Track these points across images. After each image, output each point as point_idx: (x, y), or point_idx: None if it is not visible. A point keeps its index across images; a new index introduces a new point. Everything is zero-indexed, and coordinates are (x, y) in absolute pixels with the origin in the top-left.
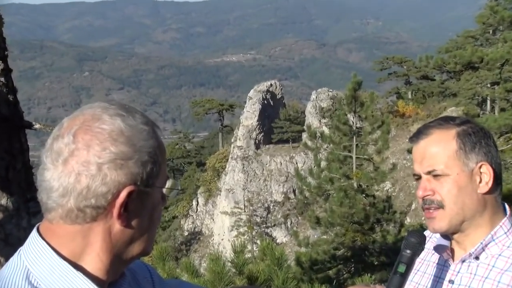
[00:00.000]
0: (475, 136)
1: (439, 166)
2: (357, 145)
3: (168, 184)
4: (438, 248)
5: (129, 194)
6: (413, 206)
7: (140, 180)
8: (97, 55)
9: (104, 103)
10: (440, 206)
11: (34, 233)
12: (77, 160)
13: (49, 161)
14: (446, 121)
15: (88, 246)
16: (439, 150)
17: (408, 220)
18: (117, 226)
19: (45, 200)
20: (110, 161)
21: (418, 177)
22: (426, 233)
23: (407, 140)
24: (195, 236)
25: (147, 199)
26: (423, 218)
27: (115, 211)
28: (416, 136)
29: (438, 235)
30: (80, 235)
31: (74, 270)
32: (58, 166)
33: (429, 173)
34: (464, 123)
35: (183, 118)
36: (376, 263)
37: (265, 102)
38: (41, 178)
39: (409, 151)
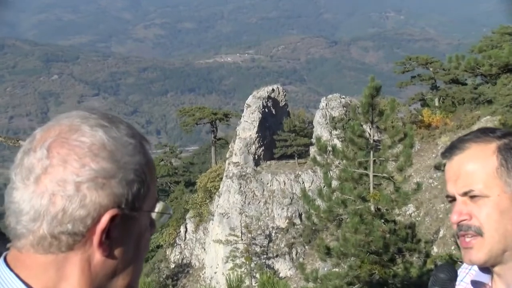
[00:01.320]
0: None
1: (477, 186)
2: (374, 161)
3: (158, 207)
4: (476, 284)
5: (112, 219)
6: (441, 233)
7: (125, 202)
8: (68, 55)
9: (84, 111)
10: (478, 233)
11: (0, 263)
12: (51, 178)
13: (19, 179)
14: (485, 134)
15: (63, 279)
16: (477, 167)
17: (435, 250)
18: (97, 256)
19: (14, 225)
20: (90, 180)
21: (452, 199)
22: (463, 267)
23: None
24: (183, 269)
25: (133, 224)
26: (452, 248)
27: (96, 238)
28: (449, 152)
29: (476, 268)
30: (54, 266)
31: None
32: (29, 185)
33: (465, 194)
34: (506, 136)
35: (169, 130)
36: None
37: (266, 110)
38: (9, 199)
39: (437, 168)
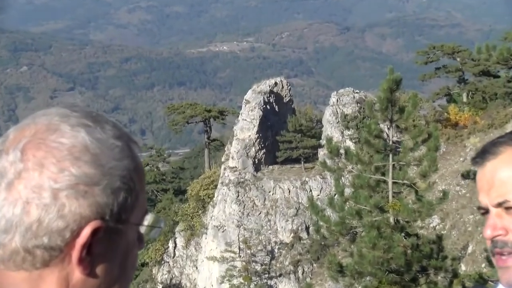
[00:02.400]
0: None
1: None
2: (393, 165)
3: (148, 220)
4: None
5: (94, 232)
6: (470, 249)
7: (110, 213)
8: (39, 43)
9: (64, 109)
10: None
11: None
12: (25, 184)
13: None
14: None
15: None
16: None
17: (463, 268)
18: (77, 274)
19: None
20: (70, 187)
21: (485, 211)
22: None
23: (461, 159)
24: None
25: (119, 239)
26: (483, 266)
27: (75, 254)
28: (481, 157)
29: None
30: (27, 285)
31: None
32: (0, 191)
33: (499, 205)
34: None
35: (156, 129)
36: None
37: (268, 107)
38: None
39: (465, 175)
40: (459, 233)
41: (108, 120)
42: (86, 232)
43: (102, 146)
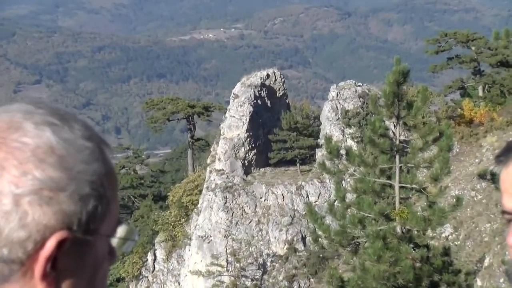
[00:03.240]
0: None
1: None
2: (401, 168)
3: (120, 231)
4: None
5: (60, 244)
6: (487, 262)
7: (77, 223)
8: (1, 31)
9: (28, 105)
10: None
11: None
12: None
13: None
14: None
15: None
16: None
17: (478, 284)
18: None
19: None
20: (33, 192)
21: (510, 216)
22: None
23: (476, 160)
24: None
25: (87, 252)
26: (501, 281)
27: (38, 268)
28: (506, 155)
29: None
30: None
31: None
32: None
33: None
34: None
35: (132, 128)
36: None
37: (259, 102)
38: None
39: (481, 177)
40: (475, 244)
41: (77, 118)
42: (50, 244)
43: (70, 148)
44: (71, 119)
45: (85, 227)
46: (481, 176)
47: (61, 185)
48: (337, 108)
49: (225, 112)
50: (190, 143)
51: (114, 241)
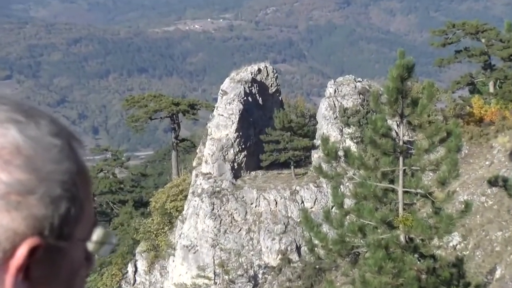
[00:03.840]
0: None
1: None
2: (405, 171)
3: (96, 235)
4: None
5: (32, 252)
6: (498, 273)
7: (50, 228)
8: None
9: None
10: None
11: None
12: None
13: None
14: None
15: None
16: None
17: None
18: None
19: None
20: (0, 197)
21: None
22: None
23: (487, 162)
24: None
25: (62, 259)
26: None
27: (9, 279)
28: None
29: None
30: None
31: None
32: None
33: None
34: None
35: (111, 127)
36: None
37: (250, 99)
38: None
39: (493, 182)
40: (485, 254)
41: (43, 113)
42: (21, 252)
43: (37, 146)
44: (37, 114)
45: (58, 232)
46: (492, 180)
47: (30, 188)
48: (335, 106)
49: (213, 110)
50: (174, 144)
51: (90, 246)
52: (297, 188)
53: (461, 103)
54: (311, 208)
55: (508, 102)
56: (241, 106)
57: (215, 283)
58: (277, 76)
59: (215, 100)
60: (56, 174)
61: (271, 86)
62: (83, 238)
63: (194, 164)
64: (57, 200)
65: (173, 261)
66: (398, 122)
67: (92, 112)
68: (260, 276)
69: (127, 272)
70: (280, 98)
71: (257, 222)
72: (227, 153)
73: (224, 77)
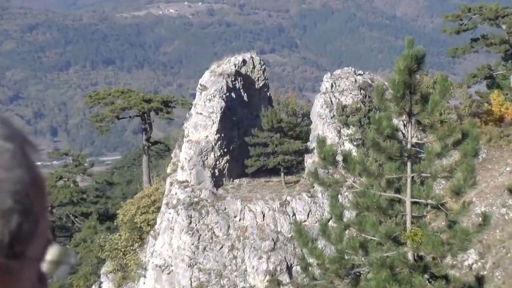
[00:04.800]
0: None
1: None
2: (413, 178)
3: (52, 253)
4: None
5: None
6: None
7: None
8: None
9: None
10: None
11: None
12: None
13: None
14: None
15: None
16: None
17: None
18: None
19: None
20: None
21: None
22: None
23: (508, 168)
24: None
25: (12, 280)
26: None
27: None
28: None
29: None
30: None
31: None
32: None
33: None
34: None
35: (72, 127)
36: None
37: (233, 95)
38: None
39: None
40: (505, 275)
41: None
42: None
43: None
44: None
45: (7, 250)
46: None
47: None
48: (332, 103)
49: (190, 108)
50: (146, 147)
51: (45, 266)
52: (288, 198)
53: (478, 99)
54: (305, 221)
55: None
56: (223, 104)
57: None
58: (265, 69)
59: (193, 96)
60: (7, 184)
61: (258, 80)
62: (36, 257)
63: (168, 170)
64: (7, 213)
65: (144, 283)
66: (405, 122)
67: (50, 110)
68: None
69: None
70: (268, 94)
71: (241, 238)
72: (207, 158)
73: (204, 70)
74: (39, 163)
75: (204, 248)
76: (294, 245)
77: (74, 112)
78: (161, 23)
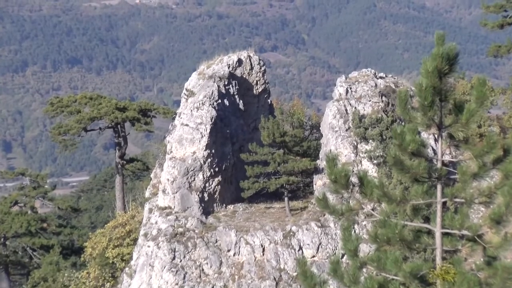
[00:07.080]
0: None
1: None
2: (445, 204)
3: None
4: None
5: None
6: None
7: None
8: None
9: None
10: None
11: None
12: None
13: None
14: None
15: None
16: None
17: None
18: None
19: None
20: None
21: None
22: None
23: None
24: None
25: None
26: None
27: None
28: None
29: None
30: None
31: None
32: None
33: None
34: None
35: (30, 142)
36: None
37: (226, 102)
38: None
39: None
40: None
41: None
42: None
43: None
44: None
45: None
46: None
47: None
48: (347, 112)
49: (174, 118)
50: (119, 165)
51: None
52: (293, 228)
53: None
54: (313, 257)
55: None
56: (214, 113)
57: None
58: (265, 70)
59: (177, 103)
60: None
61: (257, 84)
62: None
63: (147, 194)
64: None
65: None
66: (435, 136)
67: (2, 120)
68: None
69: None
70: (269, 101)
71: (236, 277)
72: (194, 179)
73: (190, 71)
74: None
75: None
76: (299, 286)
77: (31, 122)
78: (138, 15)
